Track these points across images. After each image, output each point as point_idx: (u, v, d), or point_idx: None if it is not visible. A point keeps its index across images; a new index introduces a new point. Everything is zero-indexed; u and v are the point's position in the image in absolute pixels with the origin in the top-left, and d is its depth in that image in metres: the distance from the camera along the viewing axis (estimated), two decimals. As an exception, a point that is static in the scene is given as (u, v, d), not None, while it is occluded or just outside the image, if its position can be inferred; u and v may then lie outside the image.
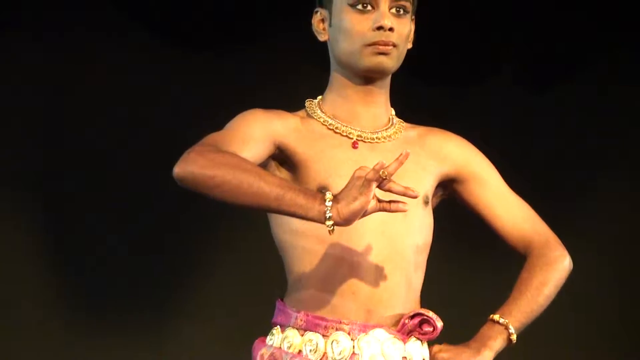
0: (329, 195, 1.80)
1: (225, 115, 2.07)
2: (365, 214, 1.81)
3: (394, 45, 2.01)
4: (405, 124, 2.15)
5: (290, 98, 2.23)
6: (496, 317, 2.05)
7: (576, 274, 2.30)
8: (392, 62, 2.03)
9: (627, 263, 4.24)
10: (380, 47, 2.00)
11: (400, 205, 1.82)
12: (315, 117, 2.08)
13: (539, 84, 4.21)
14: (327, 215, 1.79)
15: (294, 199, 1.82)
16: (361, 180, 1.78)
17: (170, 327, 3.76)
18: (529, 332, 2.20)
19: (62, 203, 3.76)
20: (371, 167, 1.80)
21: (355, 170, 1.81)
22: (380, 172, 1.78)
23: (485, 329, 2.05)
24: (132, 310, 3.74)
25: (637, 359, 4.34)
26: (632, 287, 4.21)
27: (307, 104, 2.12)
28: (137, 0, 3.83)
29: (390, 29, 1.99)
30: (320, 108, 2.10)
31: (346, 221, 1.79)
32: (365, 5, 2.01)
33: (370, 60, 2.02)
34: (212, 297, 3.78)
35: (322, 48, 2.14)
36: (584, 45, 4.14)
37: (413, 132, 2.14)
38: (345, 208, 1.78)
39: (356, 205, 1.78)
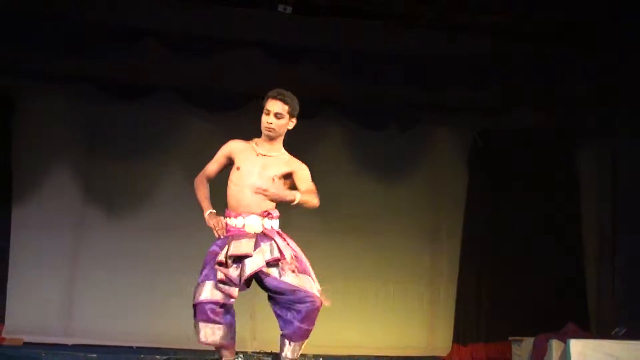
0: (206, 214, 5.30)
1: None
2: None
3: (273, 129, 5.41)
4: (284, 153, 5.43)
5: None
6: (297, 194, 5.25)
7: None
8: (273, 134, 5.40)
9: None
10: (268, 129, 5.42)
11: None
12: (252, 145, 5.43)
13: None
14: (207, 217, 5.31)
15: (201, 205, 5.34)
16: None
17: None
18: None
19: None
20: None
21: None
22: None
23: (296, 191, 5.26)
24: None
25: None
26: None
27: (253, 140, 5.45)
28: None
29: (271, 123, 5.39)
30: (255, 143, 5.44)
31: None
32: (267, 114, 5.38)
33: (265, 134, 5.42)
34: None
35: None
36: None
37: (284, 156, 5.40)
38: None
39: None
